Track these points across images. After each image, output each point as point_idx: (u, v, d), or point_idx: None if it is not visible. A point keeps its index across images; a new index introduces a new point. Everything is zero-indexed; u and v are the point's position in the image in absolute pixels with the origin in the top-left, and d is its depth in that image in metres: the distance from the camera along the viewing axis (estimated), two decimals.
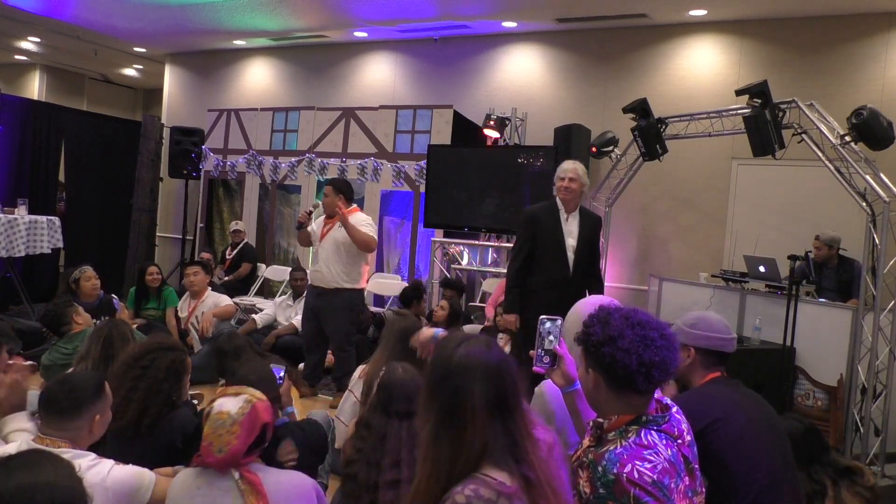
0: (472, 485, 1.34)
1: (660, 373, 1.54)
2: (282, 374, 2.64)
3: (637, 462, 1.48)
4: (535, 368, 1.82)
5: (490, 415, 1.40)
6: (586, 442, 1.69)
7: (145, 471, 2.00)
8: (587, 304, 2.22)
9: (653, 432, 1.56)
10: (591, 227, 4.08)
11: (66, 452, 1.87)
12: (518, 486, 1.35)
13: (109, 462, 1.93)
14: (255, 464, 1.85)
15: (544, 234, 4.00)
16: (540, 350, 1.81)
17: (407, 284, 6.11)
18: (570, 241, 3.99)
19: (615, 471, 1.48)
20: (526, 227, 4.07)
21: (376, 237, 4.71)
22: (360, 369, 3.25)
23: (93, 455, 1.92)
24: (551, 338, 1.81)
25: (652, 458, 1.50)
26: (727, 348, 2.29)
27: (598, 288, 4.11)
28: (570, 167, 4.01)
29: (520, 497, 1.34)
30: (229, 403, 1.79)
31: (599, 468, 1.51)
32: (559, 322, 1.83)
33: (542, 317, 1.84)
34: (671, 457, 1.53)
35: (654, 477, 1.46)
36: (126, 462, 2.00)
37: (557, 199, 4.04)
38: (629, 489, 1.45)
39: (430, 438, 1.43)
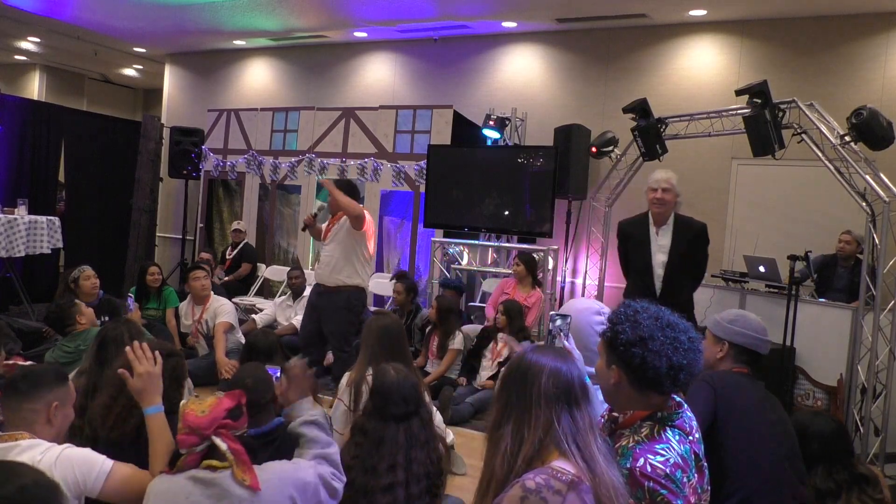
0: (543, 474, 1.36)
1: (686, 376, 1.56)
2: (278, 374, 2.62)
3: (649, 456, 1.50)
4: None
5: (556, 400, 1.44)
6: None
7: (100, 457, 1.93)
8: (579, 305, 2.24)
9: (666, 428, 1.57)
10: (691, 240, 3.81)
11: (23, 442, 1.87)
12: (585, 477, 1.36)
13: (63, 445, 1.91)
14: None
15: (634, 250, 3.90)
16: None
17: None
18: (661, 257, 3.81)
19: (628, 465, 1.50)
20: (620, 242, 4.02)
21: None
22: (346, 377, 3.22)
23: (45, 444, 1.89)
24: (561, 335, 1.84)
25: (664, 452, 1.51)
26: (761, 349, 2.39)
27: (684, 304, 3.76)
28: (662, 177, 3.82)
29: (588, 490, 1.35)
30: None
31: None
32: (568, 319, 1.86)
33: (551, 313, 1.87)
34: (684, 452, 1.54)
35: (667, 470, 1.48)
36: None
37: (649, 212, 3.88)
38: (643, 482, 1.47)
39: (495, 423, 1.49)
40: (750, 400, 2.26)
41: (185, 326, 5.19)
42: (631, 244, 3.93)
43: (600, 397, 1.93)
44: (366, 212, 4.57)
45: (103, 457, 1.94)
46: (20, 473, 1.31)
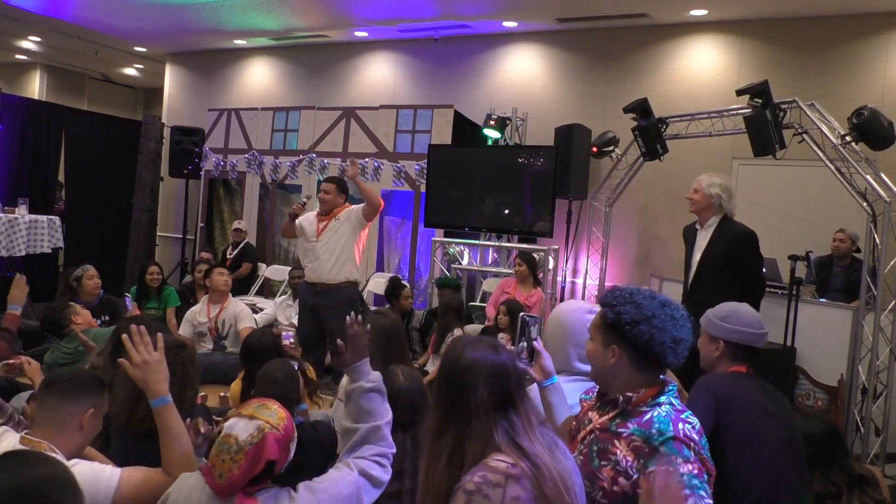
0: (480, 472, 1.41)
1: (683, 349, 1.65)
2: (291, 337, 2.62)
3: (681, 423, 1.58)
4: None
5: (494, 408, 1.48)
6: (601, 418, 1.71)
7: (106, 469, 1.84)
8: (569, 306, 2.30)
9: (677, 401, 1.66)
10: (727, 243, 3.77)
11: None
12: (524, 469, 1.41)
13: (72, 462, 1.80)
14: (270, 490, 1.66)
15: (687, 250, 4.01)
16: (519, 346, 1.90)
17: (406, 284, 6.11)
18: (697, 256, 3.86)
19: (671, 431, 1.55)
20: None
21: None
22: (346, 377, 3.21)
23: (60, 457, 1.79)
24: (531, 336, 1.88)
25: (690, 420, 1.60)
26: (757, 343, 2.27)
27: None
28: (698, 178, 3.90)
29: (527, 477, 1.40)
30: (240, 426, 1.61)
31: (654, 430, 1.57)
32: (538, 320, 1.92)
33: (521, 314, 1.93)
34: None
35: (696, 437, 1.57)
36: (141, 463, 1.92)
37: None
38: (688, 443, 1.55)
39: (435, 432, 1.53)
40: (751, 404, 2.20)
41: (199, 325, 5.09)
42: (687, 245, 4.03)
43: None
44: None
45: (110, 468, 1.85)
46: (38, 463, 1.27)
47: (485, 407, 1.47)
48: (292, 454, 1.69)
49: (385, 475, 1.82)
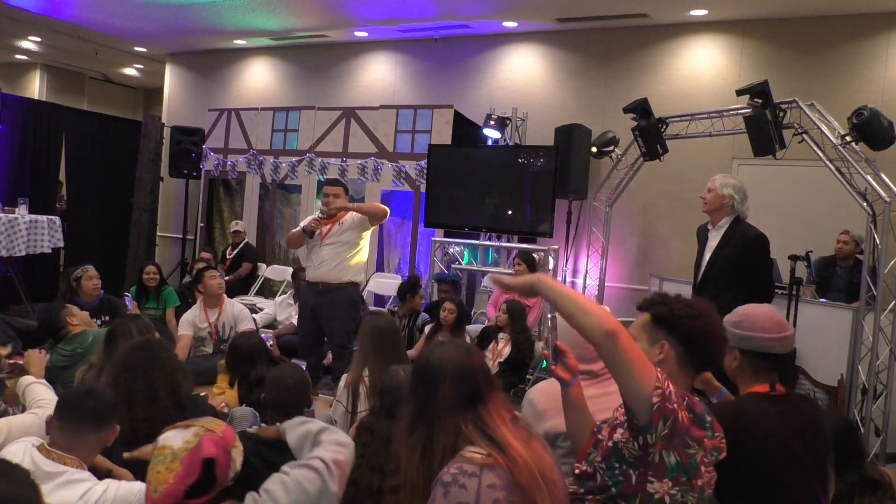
0: (455, 464, 1.47)
1: (723, 354, 1.76)
2: (269, 339, 2.64)
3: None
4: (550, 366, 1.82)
5: (462, 405, 1.54)
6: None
7: (134, 485, 1.85)
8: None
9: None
10: (736, 245, 3.70)
11: (70, 470, 1.80)
12: (497, 459, 1.47)
13: (103, 488, 1.81)
14: None
15: (699, 249, 3.98)
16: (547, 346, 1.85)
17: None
18: (707, 256, 3.83)
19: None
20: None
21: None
22: (344, 378, 3.21)
23: (89, 482, 1.82)
24: (553, 335, 1.84)
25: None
26: (777, 349, 1.90)
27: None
28: (712, 178, 3.85)
29: (501, 466, 1.45)
30: (176, 437, 1.53)
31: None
32: (557, 319, 1.84)
33: (549, 315, 1.89)
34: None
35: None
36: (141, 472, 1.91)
37: None
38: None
39: (408, 428, 1.60)
40: (759, 447, 1.81)
41: (200, 330, 5.04)
42: (698, 245, 4.00)
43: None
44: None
45: (137, 484, 1.84)
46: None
47: (452, 404, 1.54)
48: (238, 465, 1.59)
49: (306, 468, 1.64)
